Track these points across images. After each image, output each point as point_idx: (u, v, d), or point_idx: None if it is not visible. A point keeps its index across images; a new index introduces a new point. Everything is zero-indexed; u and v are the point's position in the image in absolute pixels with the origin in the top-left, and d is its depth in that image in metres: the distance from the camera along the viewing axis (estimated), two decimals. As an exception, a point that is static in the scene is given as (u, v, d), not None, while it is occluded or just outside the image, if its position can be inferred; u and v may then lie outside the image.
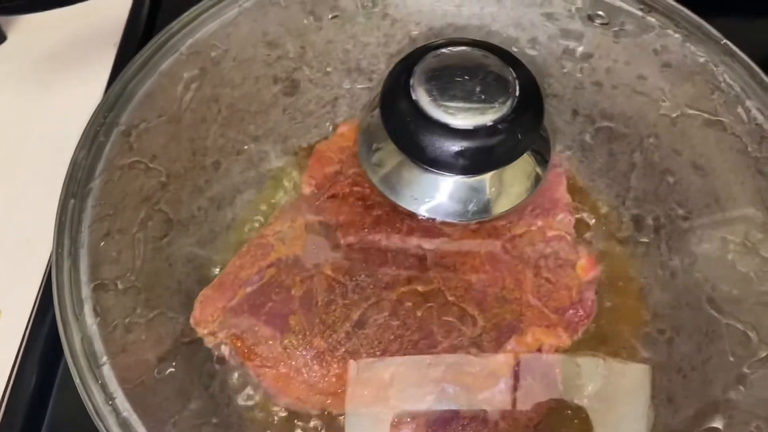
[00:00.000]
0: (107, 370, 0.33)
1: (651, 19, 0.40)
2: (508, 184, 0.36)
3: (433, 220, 0.37)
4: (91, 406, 0.32)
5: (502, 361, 0.40)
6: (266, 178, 0.48)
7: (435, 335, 0.40)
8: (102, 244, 0.35)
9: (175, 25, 0.41)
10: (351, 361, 0.39)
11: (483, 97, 0.33)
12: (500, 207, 0.37)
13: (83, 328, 0.34)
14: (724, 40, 0.39)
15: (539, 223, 0.44)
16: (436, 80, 0.33)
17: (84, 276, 0.33)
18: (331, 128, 0.50)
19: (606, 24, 0.40)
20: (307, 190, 0.46)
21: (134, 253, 0.37)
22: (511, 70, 0.34)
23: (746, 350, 0.32)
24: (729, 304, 0.35)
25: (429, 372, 0.39)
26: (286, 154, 0.49)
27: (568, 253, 0.43)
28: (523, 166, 0.36)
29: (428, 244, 0.39)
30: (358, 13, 0.48)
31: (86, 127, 0.37)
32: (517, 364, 0.41)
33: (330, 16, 0.47)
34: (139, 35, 0.57)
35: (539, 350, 0.41)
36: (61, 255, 0.34)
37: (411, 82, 0.33)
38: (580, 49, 0.41)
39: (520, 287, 0.42)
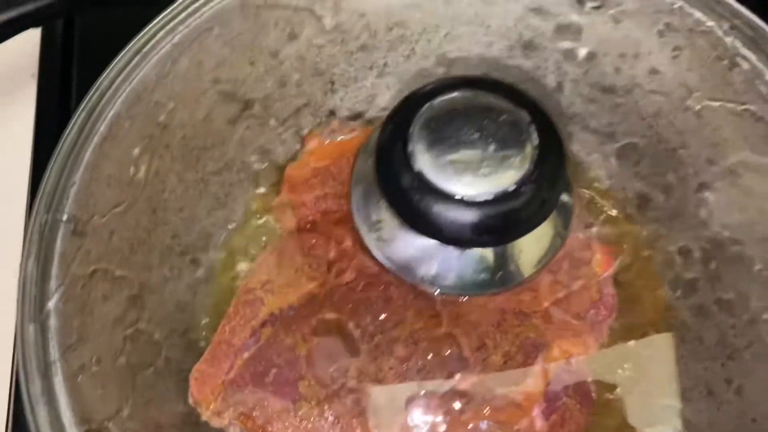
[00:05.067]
0: None
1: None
2: (536, 240, 0.32)
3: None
4: None
5: (532, 384, 0.38)
6: (236, 214, 0.43)
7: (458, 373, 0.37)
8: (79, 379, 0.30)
9: (103, 81, 0.34)
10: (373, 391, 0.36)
11: (498, 155, 0.28)
12: (525, 272, 0.33)
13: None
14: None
15: (546, 223, 0.40)
16: (440, 143, 0.28)
17: (67, 420, 0.29)
18: (298, 145, 0.45)
19: (599, 7, 0.35)
20: (285, 224, 0.42)
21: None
22: (524, 112, 0.28)
23: None
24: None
25: (461, 417, 0.37)
26: (253, 181, 0.44)
27: (581, 251, 0.40)
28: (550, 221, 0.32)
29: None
30: (308, 14, 0.42)
31: (29, 229, 0.31)
32: (548, 384, 0.38)
33: (274, 23, 0.41)
34: (57, 63, 0.50)
35: (568, 362, 0.39)
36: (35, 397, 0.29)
37: (410, 148, 0.28)
38: (583, 51, 0.36)
39: (537, 298, 0.39)
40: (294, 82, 0.43)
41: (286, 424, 0.36)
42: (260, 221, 0.43)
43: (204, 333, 0.41)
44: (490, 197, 0.27)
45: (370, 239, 0.33)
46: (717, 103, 0.34)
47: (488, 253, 0.31)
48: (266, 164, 0.44)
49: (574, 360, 0.39)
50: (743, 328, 0.36)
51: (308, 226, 0.40)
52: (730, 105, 0.34)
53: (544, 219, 0.29)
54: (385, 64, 0.45)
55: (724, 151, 0.35)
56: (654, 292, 0.42)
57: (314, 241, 0.39)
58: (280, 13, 0.40)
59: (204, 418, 0.37)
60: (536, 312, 0.39)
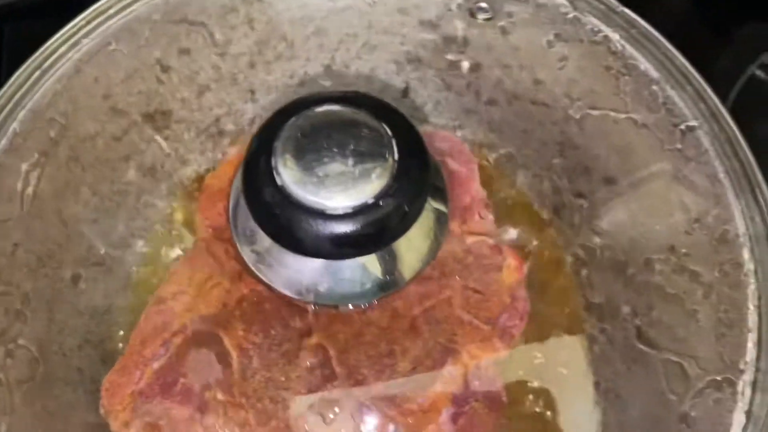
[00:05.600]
0: None
1: None
2: (411, 246, 0.32)
3: (335, 307, 0.33)
4: None
5: (440, 390, 0.38)
6: (155, 224, 0.44)
7: (368, 377, 0.37)
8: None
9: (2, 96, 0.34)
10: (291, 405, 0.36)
11: (358, 170, 0.28)
12: (407, 273, 0.33)
13: None
14: (621, 8, 0.35)
15: (456, 228, 0.41)
16: (303, 158, 0.28)
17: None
18: (219, 154, 0.45)
19: (490, 19, 0.35)
20: (203, 233, 0.42)
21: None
22: (387, 127, 0.29)
23: (684, 385, 0.31)
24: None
25: (366, 419, 0.37)
26: (173, 193, 0.44)
27: (492, 257, 0.41)
28: (424, 220, 0.32)
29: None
30: (223, 24, 0.42)
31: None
32: (457, 389, 0.38)
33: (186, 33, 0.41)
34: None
35: (478, 367, 0.39)
36: None
37: (273, 163, 0.28)
38: (466, 64, 0.36)
39: (448, 303, 0.39)
40: (211, 93, 0.44)
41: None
42: (177, 231, 0.43)
43: (120, 344, 0.41)
44: (349, 210, 0.28)
45: (245, 252, 0.33)
46: (598, 112, 0.34)
47: (360, 264, 0.32)
48: (185, 174, 0.44)
49: (484, 364, 0.39)
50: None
51: (220, 236, 0.40)
52: (613, 114, 0.34)
53: (405, 231, 0.29)
54: (305, 73, 0.45)
55: (605, 160, 0.35)
56: (566, 296, 0.42)
57: (224, 251, 0.39)
58: (183, 27, 0.40)
59: (113, 429, 0.37)
60: (446, 317, 0.39)
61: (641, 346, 0.34)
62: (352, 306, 0.33)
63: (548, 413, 0.41)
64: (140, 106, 0.41)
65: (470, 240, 0.40)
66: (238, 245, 0.33)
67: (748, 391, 0.29)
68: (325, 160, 0.28)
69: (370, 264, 0.32)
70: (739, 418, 0.29)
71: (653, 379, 0.32)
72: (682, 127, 0.32)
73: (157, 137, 0.43)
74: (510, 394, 0.40)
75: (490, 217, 0.42)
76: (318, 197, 0.28)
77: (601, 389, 0.37)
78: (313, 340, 0.35)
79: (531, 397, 0.41)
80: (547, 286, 0.42)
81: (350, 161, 0.28)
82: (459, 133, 0.43)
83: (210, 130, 0.45)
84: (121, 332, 0.41)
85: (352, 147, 0.28)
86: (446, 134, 0.44)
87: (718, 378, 0.30)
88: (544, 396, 0.41)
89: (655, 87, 0.33)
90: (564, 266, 0.42)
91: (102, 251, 0.41)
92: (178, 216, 0.44)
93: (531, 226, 0.44)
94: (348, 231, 0.28)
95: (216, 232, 0.41)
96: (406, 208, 0.28)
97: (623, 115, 0.34)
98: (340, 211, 0.28)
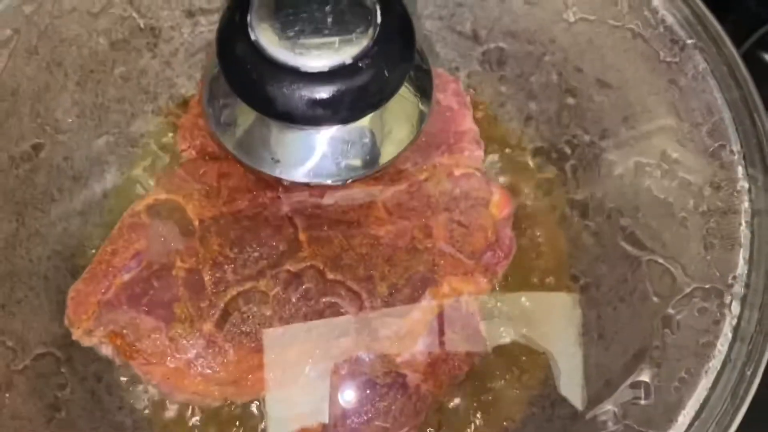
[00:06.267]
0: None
1: None
2: (387, 129, 0.31)
3: (306, 185, 0.32)
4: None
5: (417, 318, 0.37)
6: (138, 143, 0.43)
7: (341, 302, 0.36)
8: None
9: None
10: (264, 332, 0.35)
11: (338, 29, 0.27)
12: (383, 157, 0.32)
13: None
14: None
15: (445, 161, 0.40)
16: (279, 13, 0.27)
17: None
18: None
19: None
20: (183, 154, 0.41)
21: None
22: None
23: (670, 289, 0.29)
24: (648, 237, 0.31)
25: (339, 342, 0.36)
26: (157, 114, 0.43)
27: (480, 191, 0.39)
28: (402, 105, 0.31)
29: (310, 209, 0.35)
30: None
31: None
32: (435, 318, 0.37)
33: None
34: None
35: (458, 300, 0.38)
36: None
37: (248, 18, 0.27)
38: None
39: (430, 235, 0.38)
40: (205, 16, 0.43)
41: (157, 343, 0.35)
42: (156, 151, 0.42)
43: (91, 259, 0.40)
44: (325, 69, 0.26)
45: (215, 124, 0.31)
46: (593, 17, 0.33)
47: (335, 137, 0.30)
48: (171, 95, 0.43)
49: (465, 299, 0.38)
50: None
51: (199, 157, 0.39)
52: (610, 22, 0.33)
53: (384, 100, 0.28)
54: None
55: (594, 63, 0.34)
56: (553, 238, 0.41)
57: (203, 172, 0.38)
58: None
59: (74, 337, 0.35)
60: (428, 248, 0.38)
61: (626, 246, 0.33)
62: (328, 183, 0.31)
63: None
64: (133, 21, 0.40)
65: (459, 172, 0.39)
66: (209, 118, 0.32)
67: (736, 306, 0.28)
68: (303, 16, 0.27)
69: (346, 137, 0.30)
70: (726, 332, 0.27)
71: (638, 280, 0.31)
72: (680, 43, 0.31)
73: (147, 56, 0.42)
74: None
75: (481, 153, 0.41)
76: (293, 55, 0.26)
77: (580, 284, 0.36)
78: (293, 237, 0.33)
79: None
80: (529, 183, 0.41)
81: (329, 20, 0.27)
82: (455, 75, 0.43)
83: (198, 56, 0.44)
84: (93, 250, 0.40)
85: (332, 5, 0.27)
86: (439, 71, 0.43)
87: (706, 286, 0.29)
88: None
89: (655, 2, 0.32)
90: (553, 213, 0.41)
91: (80, 165, 0.40)
92: (158, 137, 0.43)
93: (522, 171, 0.43)
94: (323, 92, 0.26)
95: (196, 152, 0.40)
96: (386, 73, 0.27)
97: (618, 24, 0.33)
98: (316, 71, 0.26)
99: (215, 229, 0.37)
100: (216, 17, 0.42)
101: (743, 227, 0.29)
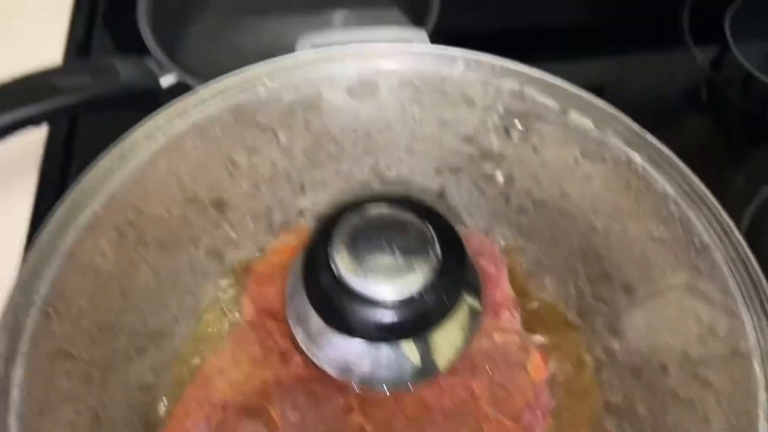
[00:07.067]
0: None
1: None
2: (447, 336, 0.36)
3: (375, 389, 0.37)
4: None
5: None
6: (204, 303, 0.47)
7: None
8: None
9: (84, 178, 0.39)
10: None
11: (404, 262, 0.32)
12: (443, 360, 0.36)
13: None
14: (643, 131, 0.39)
15: (487, 326, 0.43)
16: (357, 250, 0.33)
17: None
18: (268, 241, 0.49)
19: (524, 133, 0.40)
20: (248, 316, 0.45)
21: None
22: (428, 227, 0.33)
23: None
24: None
25: None
26: (224, 275, 0.48)
27: (519, 354, 0.43)
28: (461, 309, 0.36)
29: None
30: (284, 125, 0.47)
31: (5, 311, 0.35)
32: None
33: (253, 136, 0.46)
34: (59, 158, 0.55)
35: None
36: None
37: (330, 253, 0.32)
38: (500, 174, 0.41)
39: (476, 398, 0.42)
40: (266, 186, 0.48)
41: None
42: (225, 311, 0.47)
43: (162, 415, 0.43)
44: (397, 301, 0.31)
45: (297, 332, 0.36)
46: (619, 225, 0.38)
47: (400, 351, 0.34)
48: (236, 259, 0.48)
49: (507, 459, 0.41)
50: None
51: (265, 317, 0.43)
52: (633, 228, 0.38)
53: (441, 321, 0.32)
54: (350, 171, 0.49)
55: (625, 270, 0.38)
56: (587, 395, 0.44)
57: (268, 333, 0.42)
58: (251, 131, 0.45)
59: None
60: (473, 411, 0.41)
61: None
62: (390, 389, 0.36)
63: None
64: (205, 194, 0.45)
65: (499, 337, 0.43)
66: (290, 325, 0.37)
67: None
68: (375, 254, 0.32)
69: (409, 352, 0.34)
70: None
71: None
72: (697, 243, 0.35)
73: (215, 223, 0.47)
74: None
75: (518, 315, 0.44)
76: (369, 287, 0.31)
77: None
78: (355, 418, 0.37)
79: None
80: (569, 385, 0.44)
81: (398, 256, 0.32)
82: (489, 236, 0.47)
83: (262, 220, 0.49)
84: (165, 405, 0.43)
85: (399, 243, 0.32)
86: (478, 235, 0.47)
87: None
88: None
89: (672, 206, 0.36)
90: (585, 367, 0.45)
91: (154, 325, 0.44)
92: (227, 297, 0.47)
93: (556, 328, 0.46)
94: (394, 319, 0.31)
95: (262, 313, 0.44)
96: (446, 302, 0.32)
97: (642, 230, 0.37)
98: (389, 302, 0.31)
99: (281, 391, 0.41)
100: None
101: (761, 420, 0.32)
